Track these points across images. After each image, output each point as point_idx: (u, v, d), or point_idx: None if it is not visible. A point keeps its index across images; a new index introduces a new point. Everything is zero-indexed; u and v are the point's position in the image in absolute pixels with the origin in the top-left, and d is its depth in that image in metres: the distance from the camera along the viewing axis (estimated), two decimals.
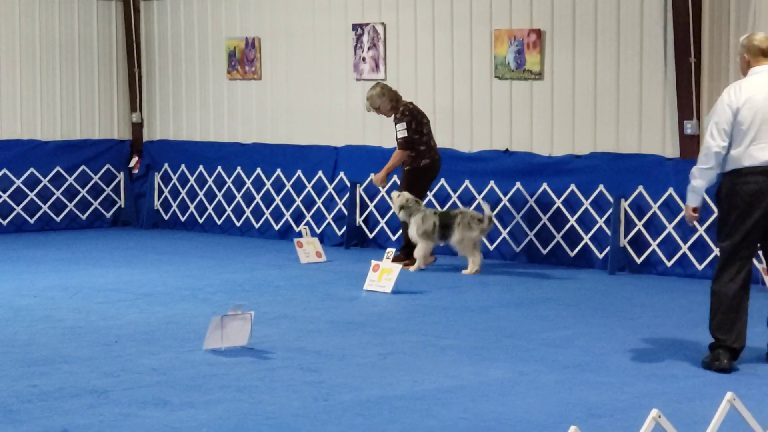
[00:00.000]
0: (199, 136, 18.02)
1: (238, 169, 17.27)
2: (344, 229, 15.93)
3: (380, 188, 14.87)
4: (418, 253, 13.63)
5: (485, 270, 13.68)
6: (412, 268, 13.58)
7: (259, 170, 17.03)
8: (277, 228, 16.79)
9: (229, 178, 17.38)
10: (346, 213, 15.93)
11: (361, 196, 15.77)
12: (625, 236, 13.64)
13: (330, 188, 16.28)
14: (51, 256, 15.00)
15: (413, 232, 13.60)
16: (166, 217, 18.20)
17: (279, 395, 7.84)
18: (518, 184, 14.50)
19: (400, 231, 14.48)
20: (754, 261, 12.59)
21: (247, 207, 17.16)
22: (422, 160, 13.96)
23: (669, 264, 13.38)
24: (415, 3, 15.51)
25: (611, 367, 8.72)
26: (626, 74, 13.78)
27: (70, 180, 17.96)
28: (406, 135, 13.85)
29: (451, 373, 8.51)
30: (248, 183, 17.15)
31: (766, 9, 12.80)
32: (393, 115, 14.05)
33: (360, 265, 13.85)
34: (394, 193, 13.86)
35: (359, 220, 15.81)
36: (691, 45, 13.08)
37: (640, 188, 13.59)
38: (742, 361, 8.94)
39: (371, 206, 15.75)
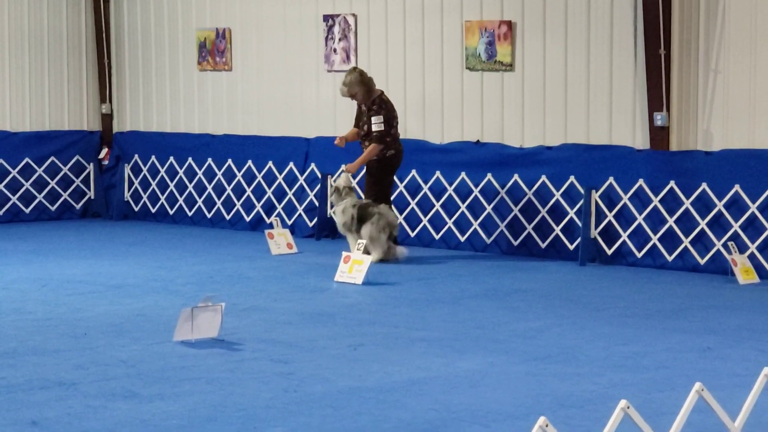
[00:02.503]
0: (169, 128, 17.96)
1: (209, 160, 17.23)
2: (315, 220, 15.91)
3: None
4: (350, 243, 13.48)
5: (456, 261, 13.71)
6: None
7: (230, 161, 16.99)
8: (248, 219, 16.76)
9: (199, 169, 17.33)
10: (317, 204, 15.91)
11: (332, 187, 15.74)
12: (596, 227, 13.67)
13: (301, 179, 16.26)
14: (20, 247, 14.93)
15: (338, 224, 13.73)
16: (136, 209, 18.14)
17: (249, 387, 7.83)
18: (489, 176, 14.51)
19: None
20: (723, 252, 12.69)
21: (218, 198, 17.12)
22: (388, 151, 13.92)
23: (639, 255, 13.43)
24: None
25: (581, 358, 8.75)
26: (597, 66, 13.81)
27: (40, 171, 17.87)
28: (382, 129, 13.81)
29: (421, 364, 8.52)
30: (219, 174, 17.10)
31: (736, 1, 12.85)
32: (365, 104, 13.97)
33: (331, 256, 13.85)
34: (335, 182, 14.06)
35: (330, 212, 15.80)
36: (661, 37, 13.11)
37: (611, 179, 13.62)
38: (711, 352, 8.98)
39: None
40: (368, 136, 13.92)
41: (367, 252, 13.16)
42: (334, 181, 14.08)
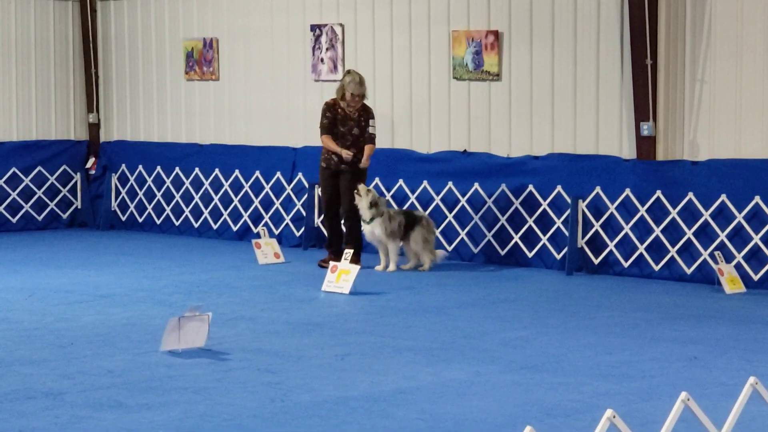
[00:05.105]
0: (156, 137, 17.95)
1: (196, 169, 17.22)
2: (302, 230, 15.91)
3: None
4: (393, 253, 13.60)
5: (443, 270, 13.72)
6: (390, 268, 13.59)
7: (217, 171, 16.99)
8: (235, 229, 16.75)
9: (186, 178, 17.32)
10: (304, 214, 15.91)
11: (319, 196, 15.74)
12: (583, 237, 13.69)
13: (288, 189, 16.26)
14: (7, 257, 14.90)
15: (380, 233, 13.54)
16: (123, 218, 18.12)
17: (236, 396, 7.82)
18: (476, 185, 14.53)
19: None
20: (710, 261, 12.71)
21: (205, 208, 17.11)
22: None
23: (626, 265, 13.45)
24: (373, 4, 15.51)
25: (567, 367, 8.76)
26: (583, 76, 13.84)
27: (27, 181, 17.85)
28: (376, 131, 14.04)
29: (408, 374, 8.52)
30: (206, 184, 17.09)
31: (722, 11, 12.89)
32: (357, 109, 13.85)
33: (318, 266, 13.87)
34: (363, 188, 13.67)
35: (317, 221, 15.80)
36: (647, 47, 13.15)
37: (598, 189, 13.65)
38: (697, 361, 9.00)
39: None
40: (358, 140, 13.83)
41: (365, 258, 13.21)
42: (368, 195, 13.48)
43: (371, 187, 14.18)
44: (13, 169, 17.75)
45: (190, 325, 9.22)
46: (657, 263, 13.25)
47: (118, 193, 18.20)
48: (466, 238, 14.60)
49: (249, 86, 16.87)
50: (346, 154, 13.69)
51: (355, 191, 13.59)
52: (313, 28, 16.06)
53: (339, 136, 13.86)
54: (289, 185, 16.25)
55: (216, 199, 16.99)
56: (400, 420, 7.24)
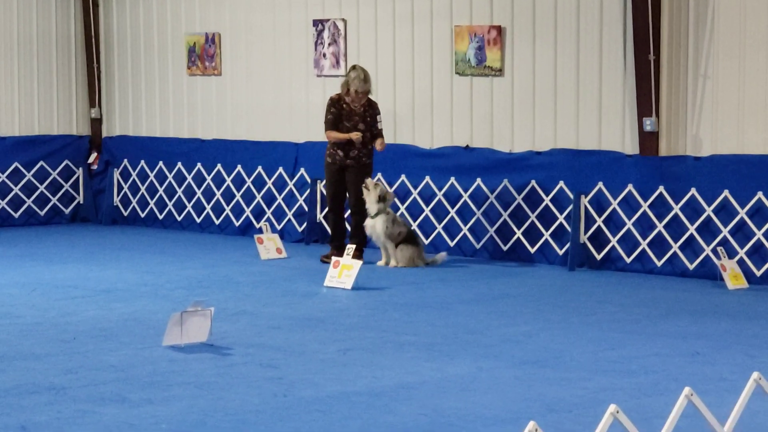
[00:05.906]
0: (158, 132, 17.94)
1: (198, 165, 17.22)
2: (305, 225, 15.91)
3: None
4: (392, 250, 13.61)
5: (446, 266, 13.72)
6: (391, 264, 13.61)
7: (219, 166, 16.98)
8: (237, 224, 16.75)
9: (189, 174, 17.32)
10: (306, 209, 15.91)
11: (321, 192, 15.74)
12: (585, 232, 13.69)
13: (290, 184, 16.25)
14: (9, 252, 14.90)
15: (381, 231, 13.55)
16: (125, 214, 18.12)
17: (238, 391, 7.82)
18: (479, 181, 14.52)
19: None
20: (712, 257, 12.71)
21: (208, 203, 17.11)
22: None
23: (628, 260, 13.44)
24: None
25: (570, 362, 8.76)
26: (586, 71, 13.83)
27: (29, 176, 17.84)
28: None
29: (410, 369, 8.52)
30: (208, 179, 17.09)
31: (725, 6, 12.88)
32: (362, 104, 13.90)
33: (320, 261, 13.87)
34: (371, 181, 13.67)
35: (320, 217, 15.80)
36: (650, 42, 13.14)
37: (600, 184, 13.64)
38: (700, 357, 9.00)
39: None
40: (364, 134, 13.84)
41: (358, 256, 13.21)
42: (375, 188, 13.56)
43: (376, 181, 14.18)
44: (16, 164, 17.75)
45: (192, 320, 9.22)
46: (659, 259, 13.24)
47: (120, 188, 18.20)
48: (468, 234, 14.60)
49: (251, 81, 16.86)
50: (356, 135, 13.75)
51: (363, 185, 13.61)
52: (315, 23, 16.05)
53: (344, 131, 13.88)
54: (291, 180, 16.25)
55: (218, 194, 16.98)
56: (403, 415, 7.24)
